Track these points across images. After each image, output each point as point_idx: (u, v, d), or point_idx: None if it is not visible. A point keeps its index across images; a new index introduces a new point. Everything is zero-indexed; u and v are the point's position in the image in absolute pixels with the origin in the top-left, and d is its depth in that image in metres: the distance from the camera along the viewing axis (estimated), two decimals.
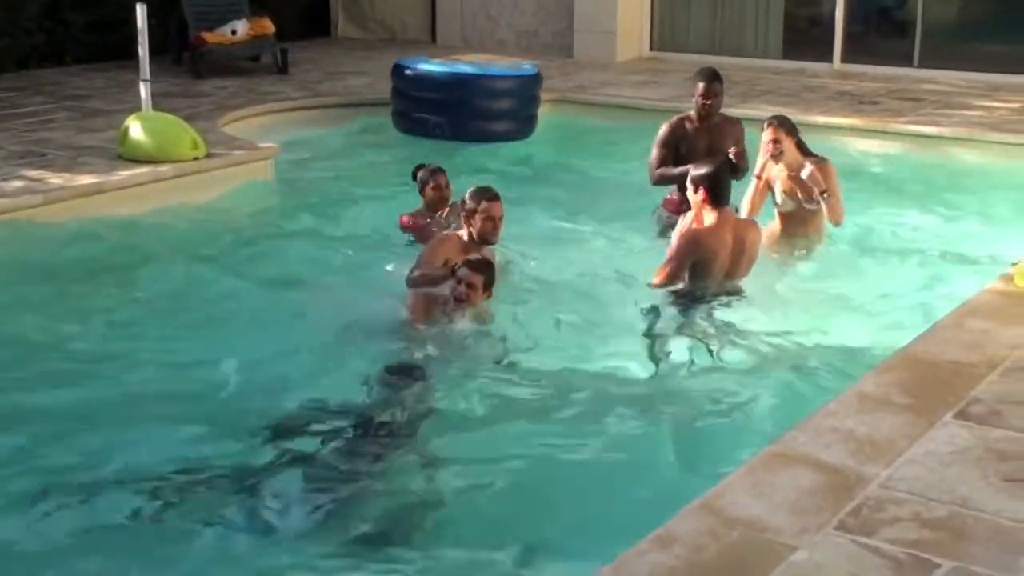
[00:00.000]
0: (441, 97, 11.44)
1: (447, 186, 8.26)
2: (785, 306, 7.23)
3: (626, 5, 16.12)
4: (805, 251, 8.19)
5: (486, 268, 6.74)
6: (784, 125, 8.14)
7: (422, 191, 8.28)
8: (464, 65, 12.14)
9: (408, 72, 11.76)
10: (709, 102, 8.65)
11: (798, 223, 8.25)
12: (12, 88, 13.20)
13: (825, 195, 7.98)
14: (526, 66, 12.33)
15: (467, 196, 7.13)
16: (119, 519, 4.98)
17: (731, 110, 12.31)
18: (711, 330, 6.88)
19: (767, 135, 8.11)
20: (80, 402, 6.04)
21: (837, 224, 8.18)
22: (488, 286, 6.74)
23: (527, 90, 11.88)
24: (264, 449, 5.51)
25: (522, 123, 11.83)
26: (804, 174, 8.03)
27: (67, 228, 8.51)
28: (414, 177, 8.37)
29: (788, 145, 8.09)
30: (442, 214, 8.12)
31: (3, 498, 5.08)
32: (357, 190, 9.76)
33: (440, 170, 8.33)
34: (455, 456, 5.47)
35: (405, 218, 8.33)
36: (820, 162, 8.13)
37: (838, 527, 3.88)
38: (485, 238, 7.05)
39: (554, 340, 6.80)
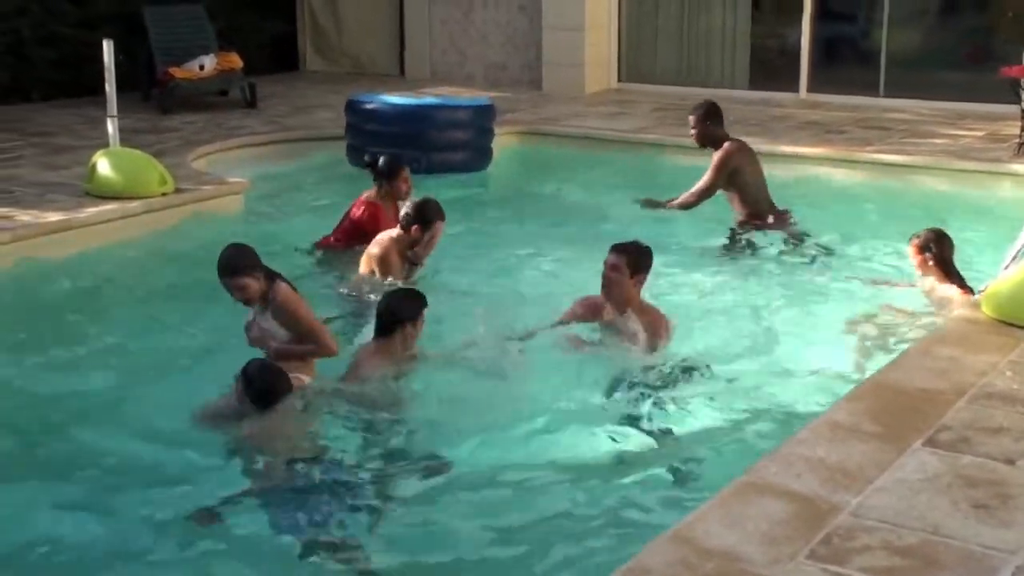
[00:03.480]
0: (397, 130, 11.47)
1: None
2: (753, 336, 7.25)
3: (593, 37, 16.20)
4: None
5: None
6: (926, 247, 7.55)
7: (392, 180, 8.74)
8: (420, 98, 12.26)
9: (365, 106, 11.86)
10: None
11: None
12: None
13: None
14: (481, 98, 12.64)
15: (424, 210, 7.57)
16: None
17: None
18: (679, 360, 6.86)
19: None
20: (32, 445, 6.05)
21: None
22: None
23: (481, 120, 11.95)
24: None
25: (479, 153, 11.89)
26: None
27: (36, 265, 8.46)
28: (368, 166, 8.76)
29: (928, 265, 7.56)
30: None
31: None
32: (325, 223, 9.72)
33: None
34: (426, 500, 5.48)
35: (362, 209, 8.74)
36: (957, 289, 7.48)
37: (810, 556, 3.87)
38: (422, 258, 7.55)
39: (522, 372, 6.76)
